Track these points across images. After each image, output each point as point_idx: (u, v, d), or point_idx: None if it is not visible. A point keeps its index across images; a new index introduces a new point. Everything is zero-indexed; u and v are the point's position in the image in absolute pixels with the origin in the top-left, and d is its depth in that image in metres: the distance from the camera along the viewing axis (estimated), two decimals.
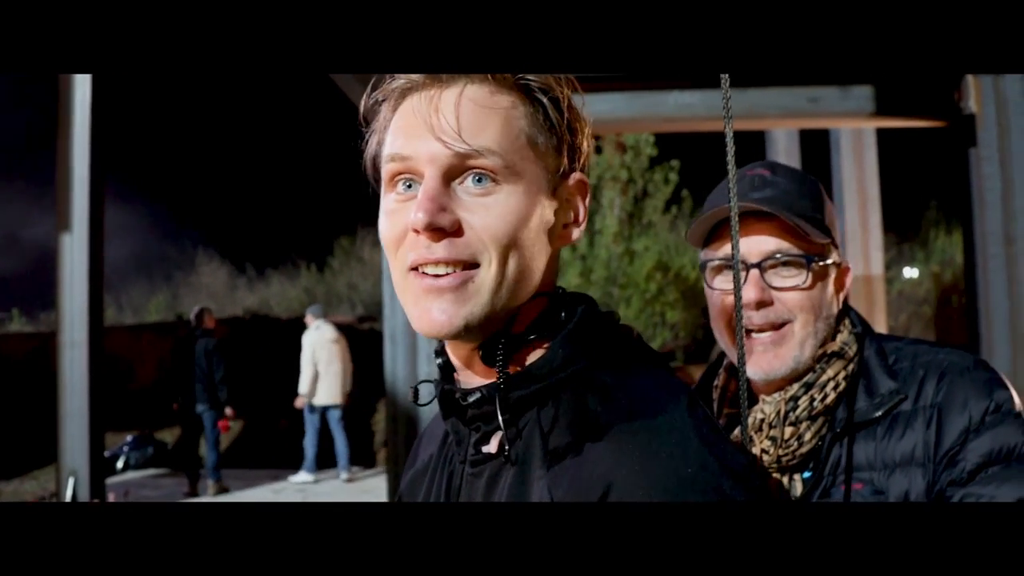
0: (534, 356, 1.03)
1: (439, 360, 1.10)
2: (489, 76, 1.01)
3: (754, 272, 1.54)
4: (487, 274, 0.99)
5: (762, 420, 1.55)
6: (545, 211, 1.04)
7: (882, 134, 9.05)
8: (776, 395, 1.57)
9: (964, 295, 5.94)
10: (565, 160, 1.07)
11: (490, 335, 1.02)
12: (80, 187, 4.96)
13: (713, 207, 1.60)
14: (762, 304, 1.54)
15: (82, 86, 4.97)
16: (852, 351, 1.60)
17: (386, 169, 1.03)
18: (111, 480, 11.66)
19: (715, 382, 1.73)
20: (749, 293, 1.53)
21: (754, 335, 1.56)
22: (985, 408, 1.46)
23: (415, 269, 1.00)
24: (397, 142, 1.02)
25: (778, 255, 1.55)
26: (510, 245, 0.99)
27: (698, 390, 1.76)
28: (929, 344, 1.61)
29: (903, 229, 19.24)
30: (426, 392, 1.12)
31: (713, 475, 0.89)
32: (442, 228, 0.97)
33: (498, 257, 0.98)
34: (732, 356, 1.63)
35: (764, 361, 1.55)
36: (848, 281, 1.67)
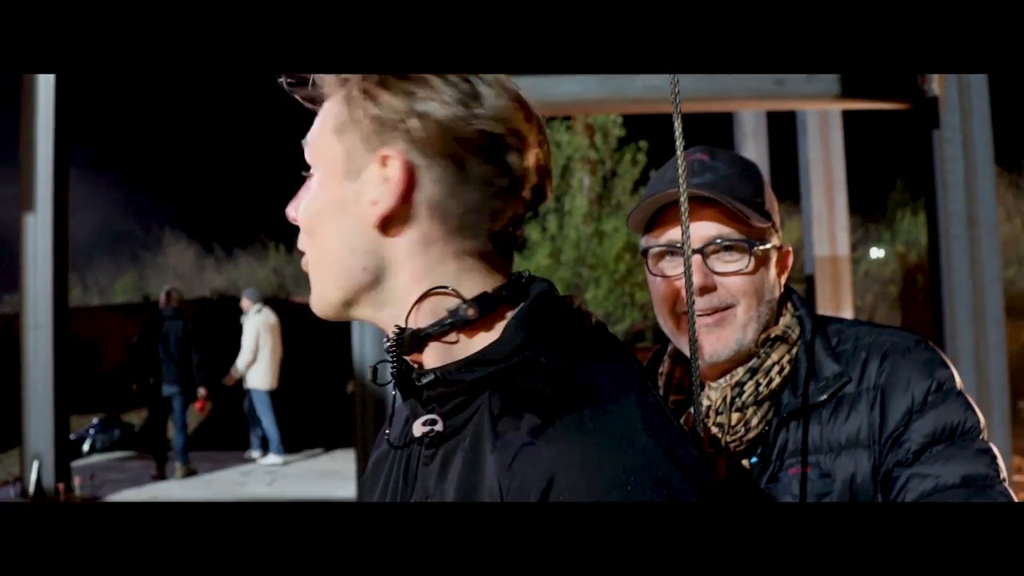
0: (482, 340, 1.02)
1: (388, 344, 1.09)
2: (317, 99, 1.10)
3: (696, 258, 1.53)
4: (308, 256, 1.09)
5: (708, 407, 1.55)
6: (335, 195, 1.04)
7: (849, 116, 9.12)
8: (721, 381, 1.57)
9: (929, 275, 6.01)
10: (366, 140, 1.02)
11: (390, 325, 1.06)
12: (44, 166, 4.90)
13: (653, 193, 1.59)
14: (705, 289, 1.54)
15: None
16: (795, 334, 1.60)
17: None
18: (77, 463, 11.57)
19: (660, 369, 1.72)
20: (692, 279, 1.54)
21: (697, 318, 1.56)
22: (927, 388, 1.48)
23: None
24: None
25: (719, 240, 1.54)
26: (309, 227, 1.06)
27: None
28: (871, 325, 1.62)
29: (870, 210, 19.42)
30: (387, 372, 1.11)
31: (660, 468, 0.88)
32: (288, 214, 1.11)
33: (306, 239, 1.08)
34: (676, 342, 1.63)
35: (706, 344, 1.55)
36: (789, 264, 1.67)
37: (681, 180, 1.30)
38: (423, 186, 0.99)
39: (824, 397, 1.52)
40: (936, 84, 5.33)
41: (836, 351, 1.57)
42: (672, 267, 1.59)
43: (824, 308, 8.92)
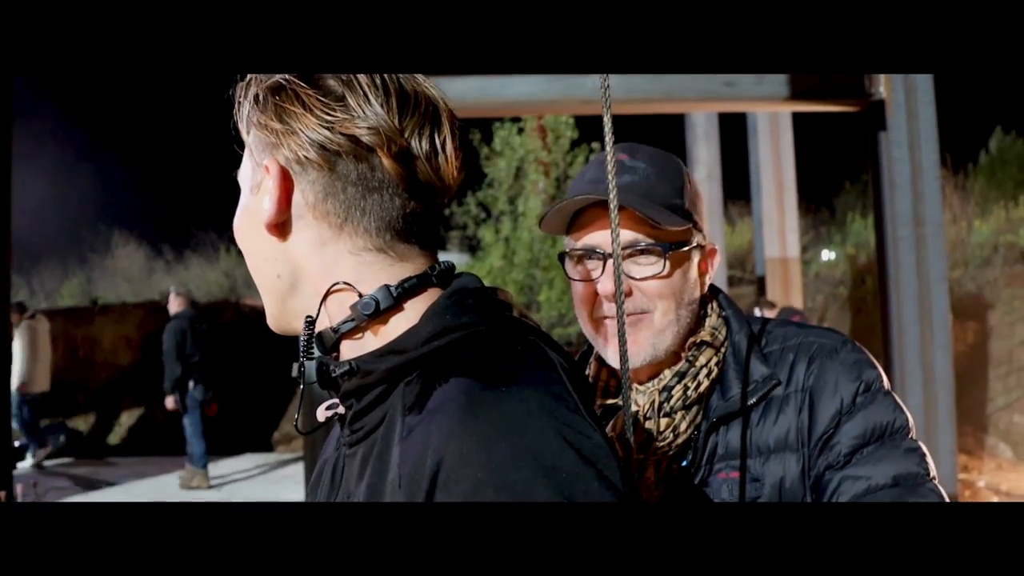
0: (394, 330, 1.03)
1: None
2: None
3: (611, 262, 1.51)
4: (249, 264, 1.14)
5: (636, 412, 1.53)
6: (251, 201, 1.11)
7: (799, 118, 9.21)
8: (649, 385, 1.55)
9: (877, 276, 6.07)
10: (262, 150, 1.10)
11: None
12: None
13: (573, 195, 1.56)
14: None
15: None
16: (722, 336, 1.58)
17: None
18: (19, 470, 11.36)
19: (586, 372, 1.69)
20: (606, 284, 1.51)
21: (611, 321, 1.53)
22: (855, 389, 1.47)
23: None
24: None
25: (634, 244, 1.52)
26: (240, 244, 1.14)
27: None
28: (797, 326, 1.61)
29: (820, 212, 19.64)
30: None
31: (553, 453, 0.88)
32: None
33: (243, 249, 1.14)
34: (595, 345, 1.60)
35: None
36: (715, 263, 1.65)
37: (611, 187, 1.27)
38: (302, 190, 1.05)
39: (753, 400, 1.51)
40: (883, 87, 5.39)
41: (764, 353, 1.56)
42: (590, 270, 1.56)
43: (771, 310, 8.99)
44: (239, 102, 1.11)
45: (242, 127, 1.12)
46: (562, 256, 1.63)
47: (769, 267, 9.14)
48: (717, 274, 7.67)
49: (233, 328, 16.18)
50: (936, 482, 1.44)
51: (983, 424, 11.42)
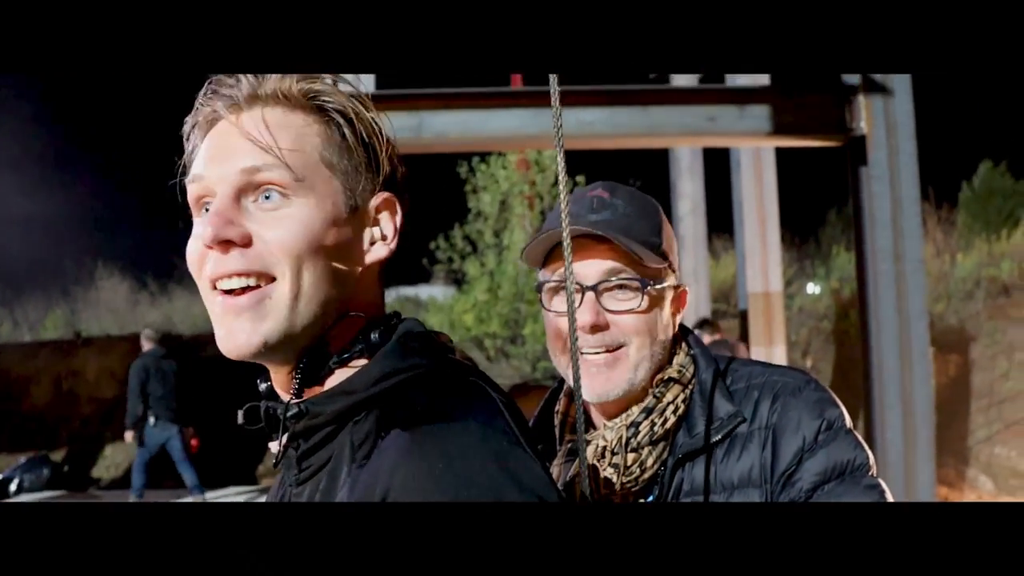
0: (350, 374, 1.04)
1: (263, 386, 1.12)
2: (283, 97, 1.05)
3: (589, 295, 1.54)
4: (282, 289, 1.00)
5: (604, 447, 1.54)
6: (343, 228, 1.05)
7: (784, 153, 9.27)
8: (617, 421, 1.57)
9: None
10: (364, 178, 1.09)
11: (308, 355, 1.04)
12: None
13: (551, 228, 1.58)
14: (597, 327, 1.53)
15: None
16: (689, 374, 1.61)
17: (189, 192, 1.06)
18: (2, 503, 11.25)
19: (556, 407, 1.71)
20: (584, 316, 1.52)
21: (588, 356, 1.55)
22: (818, 428, 1.49)
23: (214, 288, 1.02)
24: (197, 165, 1.05)
25: (613, 278, 1.55)
26: (303, 258, 1.01)
27: (539, 416, 1.74)
28: (763, 365, 1.63)
29: (805, 245, 19.72)
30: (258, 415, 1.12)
31: (495, 485, 0.90)
32: (229, 240, 0.99)
33: (292, 270, 1.00)
34: (568, 379, 1.62)
35: (597, 383, 1.54)
36: (685, 303, 1.68)
37: (564, 217, 1.29)
38: None
39: (719, 437, 1.52)
40: (864, 122, 5.44)
41: (730, 390, 1.58)
42: (565, 303, 1.58)
43: (757, 342, 9.02)
44: (337, 114, 1.08)
45: (329, 143, 1.07)
46: (539, 287, 1.65)
47: (752, 302, 9.16)
48: (701, 308, 7.65)
49: (217, 361, 16.06)
50: None
51: (964, 456, 11.43)
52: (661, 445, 1.54)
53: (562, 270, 1.57)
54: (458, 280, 18.36)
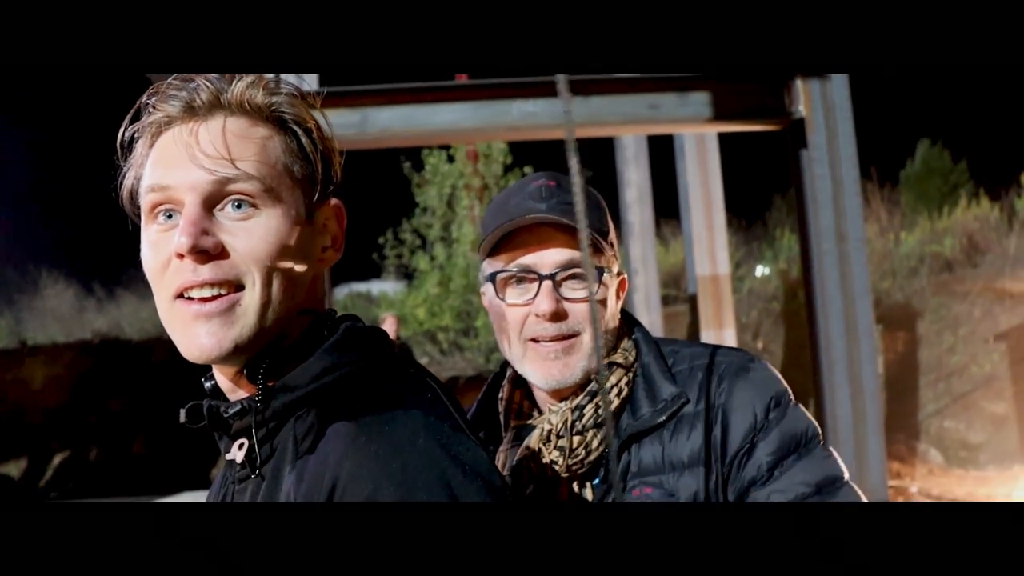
0: (292, 370, 1.05)
1: (208, 384, 1.13)
2: (247, 108, 1.06)
3: (547, 284, 1.55)
4: (252, 296, 1.02)
5: (549, 431, 1.56)
6: (304, 235, 1.08)
7: (727, 138, 9.35)
8: (562, 404, 1.59)
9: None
10: (320, 187, 1.11)
11: (254, 354, 1.05)
12: None
13: (505, 219, 1.59)
14: (556, 315, 1.55)
15: None
16: (632, 357, 1.63)
17: (146, 200, 1.05)
18: None
19: (500, 394, 1.72)
20: (543, 305, 1.54)
21: (544, 344, 1.57)
22: (767, 406, 1.53)
23: (181, 296, 1.02)
24: (156, 173, 1.04)
25: (571, 267, 1.57)
26: (272, 267, 1.03)
27: (482, 403, 1.76)
28: (703, 346, 1.66)
29: (753, 227, 19.90)
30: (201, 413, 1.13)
31: (441, 469, 0.93)
32: (206, 251, 1.00)
33: (262, 278, 1.02)
34: (520, 368, 1.62)
35: (555, 369, 1.56)
36: (625, 289, 1.72)
37: (579, 210, 1.30)
38: None
39: (663, 418, 1.54)
40: (803, 105, 5.50)
41: (672, 372, 1.60)
42: (521, 293, 1.59)
43: (707, 326, 9.10)
44: (296, 125, 1.09)
45: (289, 154, 1.09)
46: (491, 277, 1.64)
47: (701, 285, 9.24)
48: (652, 294, 7.69)
49: (167, 365, 15.92)
50: (852, 483, 1.51)
51: (915, 431, 11.63)
52: (605, 428, 1.55)
53: (518, 259, 1.59)
54: (408, 275, 18.35)
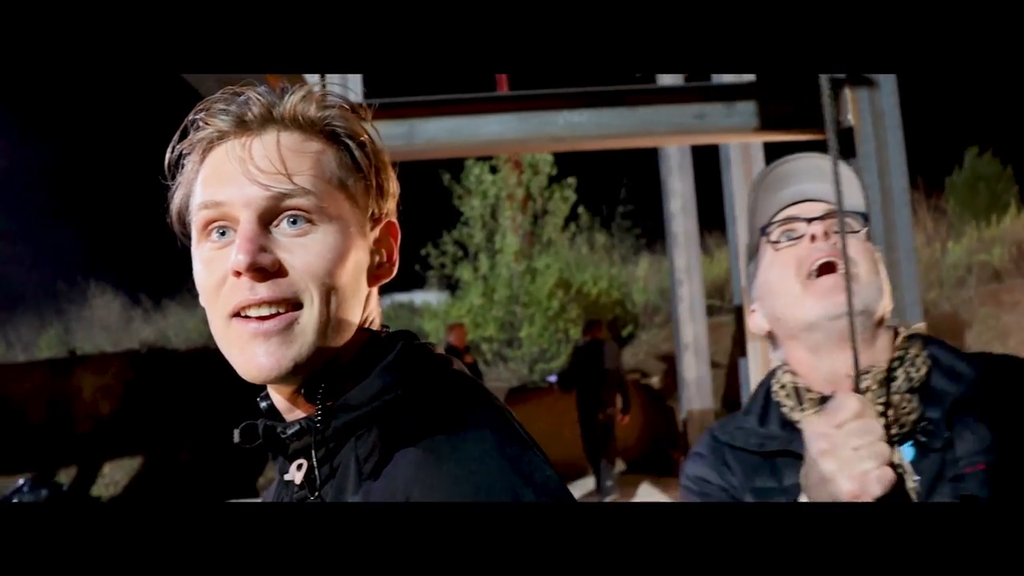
0: (352, 389, 1.04)
1: (264, 404, 1.11)
2: (300, 122, 1.04)
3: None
4: (310, 314, 1.00)
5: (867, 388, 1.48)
6: (360, 251, 1.06)
7: (770, 146, 9.28)
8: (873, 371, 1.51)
9: None
10: (374, 202, 1.10)
11: (312, 373, 1.03)
12: None
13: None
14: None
15: None
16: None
17: (199, 217, 1.03)
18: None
19: (781, 381, 1.64)
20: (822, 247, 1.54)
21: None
22: None
23: (237, 315, 1.00)
24: (209, 189, 1.02)
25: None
26: (331, 284, 1.01)
27: (758, 395, 1.70)
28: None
29: None
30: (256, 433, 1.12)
31: (512, 485, 0.91)
32: (263, 268, 0.98)
33: (320, 296, 1.00)
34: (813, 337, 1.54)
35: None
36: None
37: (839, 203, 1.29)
38: None
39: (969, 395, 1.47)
40: (851, 114, 5.45)
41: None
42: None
43: (753, 337, 9.00)
44: (349, 139, 1.08)
45: (343, 168, 1.07)
46: (766, 228, 1.65)
47: (746, 296, 9.17)
48: (696, 305, 7.62)
49: (212, 375, 16.06)
50: None
51: None
52: (916, 395, 1.49)
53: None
54: (452, 285, 18.38)
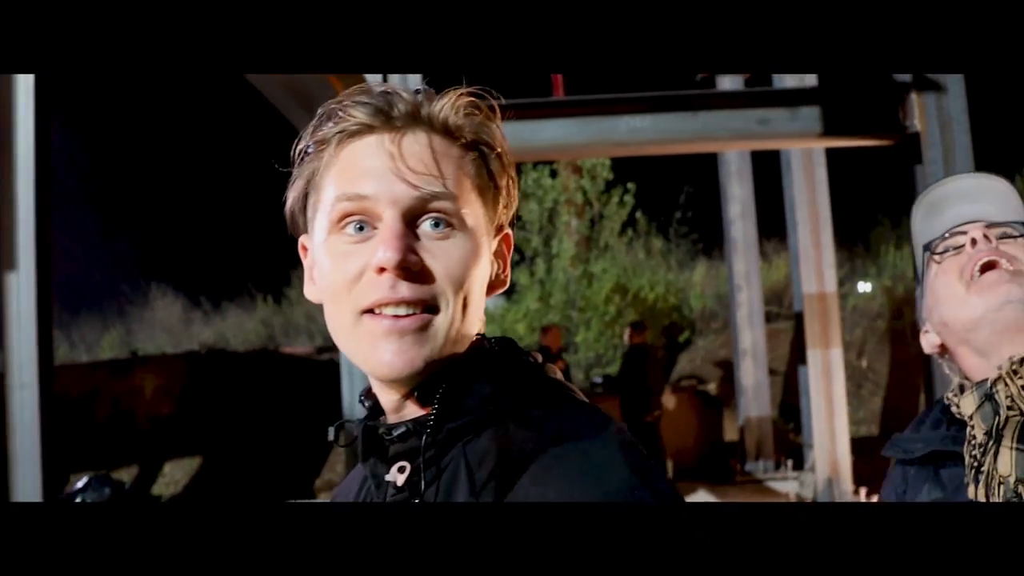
0: (461, 393, 1.02)
1: (368, 403, 1.10)
2: (447, 126, 1.03)
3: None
4: (445, 318, 0.99)
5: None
6: (487, 260, 1.05)
7: (832, 151, 9.17)
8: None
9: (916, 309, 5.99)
10: (502, 212, 1.09)
11: (429, 375, 1.01)
12: (25, 224, 4.87)
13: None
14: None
15: (25, 120, 4.88)
16: None
17: (336, 209, 1.01)
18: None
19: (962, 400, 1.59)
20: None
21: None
22: None
23: (370, 311, 0.99)
24: (351, 183, 1.01)
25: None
26: (466, 291, 1.00)
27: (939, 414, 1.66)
28: None
29: (854, 245, 19.48)
30: (352, 432, 1.09)
31: (640, 496, 0.90)
32: (408, 268, 0.97)
33: (456, 302, 0.99)
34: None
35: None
36: None
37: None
38: None
39: None
40: (918, 120, 5.37)
41: None
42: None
43: (814, 344, 8.92)
44: (487, 147, 1.06)
45: (480, 176, 1.06)
46: (928, 246, 1.64)
47: (807, 303, 9.07)
48: (755, 311, 7.55)
49: (271, 377, 16.26)
50: None
51: None
52: None
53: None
54: (509, 289, 18.36)
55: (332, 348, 18.47)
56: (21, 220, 4.94)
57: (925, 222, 1.66)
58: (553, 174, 17.26)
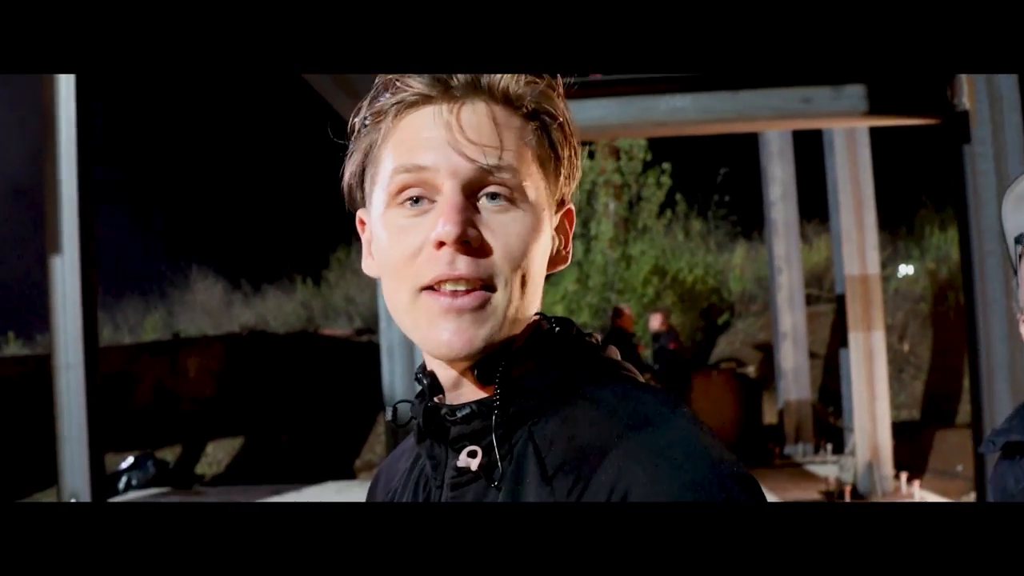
0: (524, 374, 1.00)
1: (425, 381, 1.05)
2: (508, 96, 0.99)
3: None
4: (503, 296, 0.96)
5: None
6: (547, 236, 1.02)
7: (874, 131, 9.05)
8: None
9: (960, 292, 5.91)
10: (564, 186, 1.05)
11: (488, 354, 0.98)
12: (69, 208, 4.94)
13: None
14: None
15: (67, 106, 4.94)
16: None
17: (394, 182, 0.98)
18: (112, 501, 11.60)
19: None
20: None
21: None
22: None
23: (430, 288, 0.96)
24: (408, 154, 0.98)
25: None
26: (525, 268, 0.97)
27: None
28: None
29: (897, 227, 19.26)
30: (405, 413, 1.08)
31: (725, 482, 0.88)
32: (468, 242, 0.94)
33: (515, 279, 0.96)
34: None
35: None
36: None
37: None
38: None
39: None
40: (966, 98, 5.28)
41: None
42: None
43: (856, 327, 8.83)
44: (549, 117, 1.02)
45: (542, 148, 1.02)
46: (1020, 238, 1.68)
47: (849, 285, 8.97)
48: (795, 293, 7.52)
49: (311, 358, 16.39)
50: None
51: None
52: None
53: None
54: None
55: (371, 330, 18.60)
56: (65, 206, 5.00)
57: (1016, 214, 1.66)
58: (591, 155, 17.18)
